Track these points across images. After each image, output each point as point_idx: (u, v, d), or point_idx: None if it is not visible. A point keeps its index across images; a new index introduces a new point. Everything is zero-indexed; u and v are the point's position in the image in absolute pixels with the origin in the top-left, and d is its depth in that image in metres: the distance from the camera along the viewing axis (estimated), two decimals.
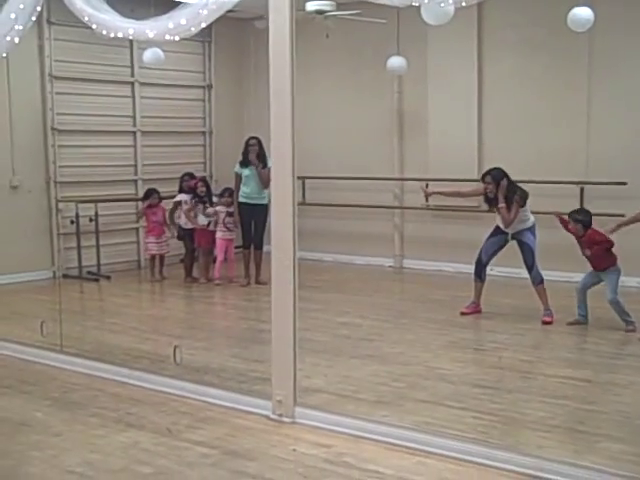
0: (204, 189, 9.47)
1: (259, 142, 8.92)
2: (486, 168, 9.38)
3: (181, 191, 9.54)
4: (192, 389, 5.26)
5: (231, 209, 9.22)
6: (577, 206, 8.07)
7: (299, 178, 9.65)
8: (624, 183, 8.34)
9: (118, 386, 5.47)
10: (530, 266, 7.22)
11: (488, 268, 7.65)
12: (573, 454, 4.11)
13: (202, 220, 9.37)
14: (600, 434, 4.46)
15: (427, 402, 5.01)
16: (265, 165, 8.67)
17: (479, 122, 9.66)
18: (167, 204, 9.66)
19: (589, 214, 7.02)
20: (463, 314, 7.37)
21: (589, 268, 6.98)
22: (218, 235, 9.24)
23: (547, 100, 9.14)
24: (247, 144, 9.05)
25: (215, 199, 9.49)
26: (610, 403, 5.06)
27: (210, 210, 9.35)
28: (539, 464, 3.94)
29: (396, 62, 9.50)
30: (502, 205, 7.25)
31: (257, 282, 8.99)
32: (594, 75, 8.85)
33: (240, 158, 9.12)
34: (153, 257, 9.57)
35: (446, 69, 9.76)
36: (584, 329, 6.83)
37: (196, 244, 9.45)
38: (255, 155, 8.92)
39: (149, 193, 9.64)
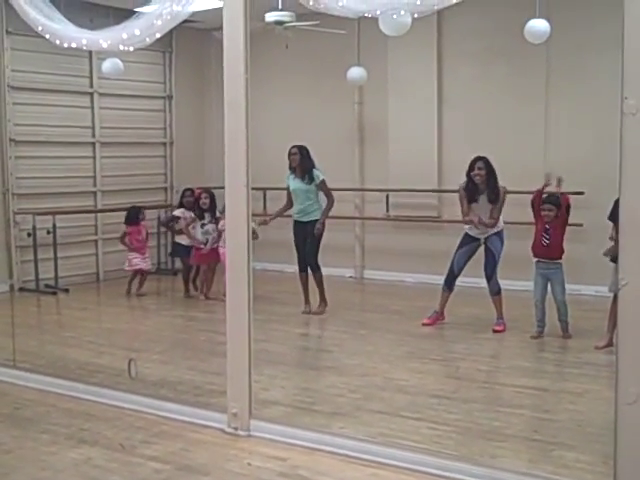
0: (207, 201, 8.93)
1: (300, 151, 8.12)
2: (446, 177, 9.51)
3: (181, 207, 9.34)
4: (147, 403, 5.20)
5: None
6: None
7: (260, 189, 9.87)
8: (582, 193, 8.42)
9: (72, 401, 5.38)
10: (489, 276, 7.25)
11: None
12: (527, 463, 4.13)
13: (199, 236, 8.92)
14: (554, 442, 4.48)
15: (383, 413, 4.99)
16: (311, 179, 8.06)
17: (439, 132, 9.73)
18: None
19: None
20: (425, 325, 7.36)
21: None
22: (221, 251, 8.46)
23: (506, 110, 9.22)
24: (289, 153, 8.21)
25: (218, 214, 8.89)
26: (565, 411, 5.09)
27: (209, 227, 8.84)
28: (492, 474, 3.95)
29: (356, 72, 9.55)
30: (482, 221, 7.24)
31: (313, 312, 8.05)
32: (551, 85, 8.95)
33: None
34: (136, 272, 9.36)
35: (406, 79, 9.82)
36: (541, 338, 6.85)
37: (192, 261, 9.04)
38: (296, 165, 8.13)
39: (134, 213, 9.42)
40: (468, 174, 7.30)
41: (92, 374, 5.95)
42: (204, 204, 8.94)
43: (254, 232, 8.51)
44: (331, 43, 9.65)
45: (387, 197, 10.00)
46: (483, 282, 7.39)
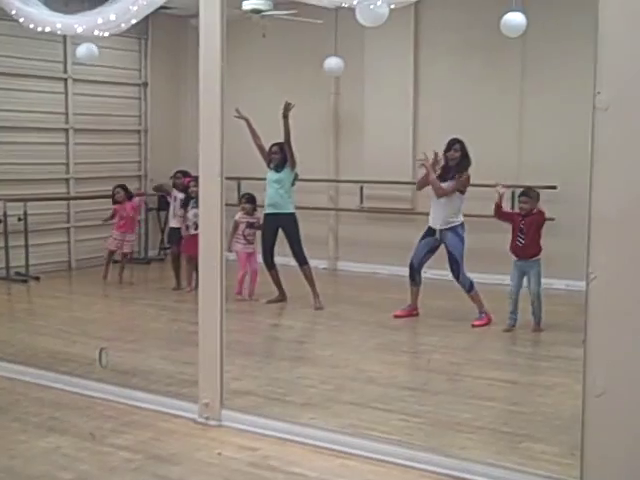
0: (196, 189, 8.77)
1: (282, 149, 8.08)
2: (421, 170, 9.49)
3: (173, 187, 9.21)
4: (118, 392, 5.18)
5: (252, 219, 8.32)
6: (509, 208, 8.16)
7: (234, 179, 9.81)
8: (554, 187, 8.49)
9: (42, 390, 5.34)
10: (456, 276, 7.26)
11: (422, 270, 7.67)
12: (495, 455, 4.17)
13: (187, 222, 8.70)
14: (522, 434, 4.53)
15: (354, 404, 5.02)
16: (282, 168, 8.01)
17: (414, 124, 9.75)
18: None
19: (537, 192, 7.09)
20: (397, 317, 7.37)
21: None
22: (237, 247, 8.27)
23: (481, 103, 9.26)
24: (269, 151, 8.20)
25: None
26: (534, 404, 5.14)
27: (191, 212, 8.50)
28: (461, 465, 3.98)
29: (333, 63, 9.54)
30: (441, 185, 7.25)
31: (316, 307, 7.87)
32: (527, 79, 9.01)
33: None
34: (111, 253, 9.32)
35: (382, 70, 9.83)
36: (513, 331, 6.89)
37: (182, 249, 8.80)
38: (277, 162, 8.08)
39: (115, 191, 9.45)
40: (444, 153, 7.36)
41: (63, 363, 5.91)
42: (193, 192, 8.60)
43: (259, 222, 8.32)
44: (308, 33, 9.62)
45: (361, 189, 10.02)
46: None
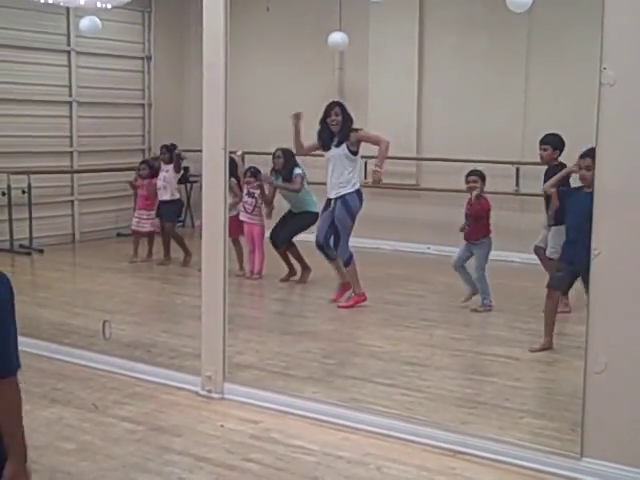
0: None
1: (284, 155, 7.89)
2: (425, 146, 9.45)
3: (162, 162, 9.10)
4: (121, 364, 5.22)
5: (253, 189, 8.11)
6: (514, 185, 8.14)
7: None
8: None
9: (45, 361, 5.37)
10: (335, 244, 6.96)
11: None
12: (497, 430, 4.18)
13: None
14: (524, 410, 4.55)
15: (356, 379, 5.04)
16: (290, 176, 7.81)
17: (419, 100, 9.70)
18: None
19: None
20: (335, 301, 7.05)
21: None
22: (240, 217, 8.12)
23: (486, 79, 9.20)
24: (273, 155, 8.05)
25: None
26: (535, 380, 5.16)
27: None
28: (462, 440, 4.01)
29: (338, 38, 9.48)
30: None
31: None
32: (532, 55, 8.94)
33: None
34: (135, 234, 9.07)
35: (387, 46, 9.76)
36: (514, 308, 6.84)
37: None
38: (280, 167, 7.93)
39: (140, 166, 9.30)
40: (323, 120, 6.84)
41: (66, 334, 5.94)
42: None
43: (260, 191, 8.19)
44: (312, 7, 9.56)
45: (365, 164, 9.95)
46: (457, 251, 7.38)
